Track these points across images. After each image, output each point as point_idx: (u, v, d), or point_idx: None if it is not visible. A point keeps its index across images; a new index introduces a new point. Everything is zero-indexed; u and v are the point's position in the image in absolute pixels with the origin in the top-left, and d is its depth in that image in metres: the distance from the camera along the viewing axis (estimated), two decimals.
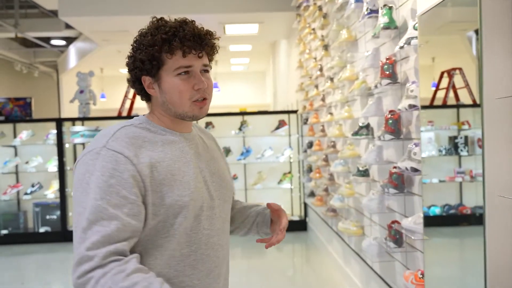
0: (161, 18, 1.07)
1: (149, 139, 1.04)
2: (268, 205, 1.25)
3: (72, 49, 9.24)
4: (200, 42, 1.04)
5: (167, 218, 1.02)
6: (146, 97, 1.12)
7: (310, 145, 4.68)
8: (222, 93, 12.52)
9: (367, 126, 2.70)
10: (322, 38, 3.82)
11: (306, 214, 5.73)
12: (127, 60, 1.08)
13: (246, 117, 5.82)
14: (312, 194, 4.78)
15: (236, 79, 13.51)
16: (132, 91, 6.01)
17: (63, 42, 9.10)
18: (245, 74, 13.75)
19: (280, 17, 5.87)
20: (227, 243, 1.18)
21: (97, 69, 11.93)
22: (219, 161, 1.21)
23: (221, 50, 1.13)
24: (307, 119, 4.79)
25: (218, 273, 1.12)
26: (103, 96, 12.22)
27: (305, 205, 5.74)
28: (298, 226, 5.66)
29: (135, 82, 1.09)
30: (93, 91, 5.72)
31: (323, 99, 3.89)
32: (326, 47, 3.63)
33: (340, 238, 3.72)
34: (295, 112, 5.85)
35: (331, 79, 3.60)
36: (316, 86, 4.21)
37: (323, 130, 3.91)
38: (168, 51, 1.02)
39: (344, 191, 3.02)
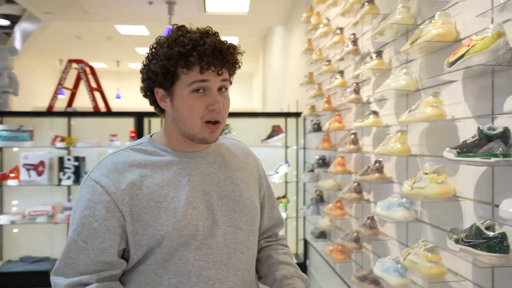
0: (182, 27, 0.99)
1: (138, 162, 1.00)
2: None
3: (17, 31, 7.54)
4: (221, 58, 0.96)
5: (152, 248, 0.96)
6: (159, 110, 1.05)
7: (323, 162, 3.16)
8: None
9: (503, 136, 1.19)
10: None
11: (306, 256, 4.18)
12: (141, 67, 1.02)
13: (229, 120, 4.27)
14: (322, 235, 3.24)
15: None
16: (71, 80, 4.41)
17: (6, 22, 7.38)
18: None
19: None
20: (241, 279, 1.03)
21: (55, 60, 10.22)
22: (238, 181, 1.07)
23: None
24: (318, 124, 3.27)
25: None
26: (61, 93, 10.50)
27: (305, 242, 4.20)
28: None
29: (148, 92, 1.03)
30: (14, 75, 4.07)
31: (356, 91, 2.38)
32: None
33: None
34: (296, 114, 4.33)
35: (378, 54, 2.09)
36: (341, 73, 2.70)
37: (354, 142, 2.39)
38: (184, 66, 0.95)
39: (422, 265, 1.49)
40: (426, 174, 1.54)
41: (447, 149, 1.38)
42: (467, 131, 1.44)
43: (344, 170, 2.62)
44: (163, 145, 1.03)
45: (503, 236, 1.17)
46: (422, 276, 1.50)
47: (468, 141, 1.29)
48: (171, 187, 0.98)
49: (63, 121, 4.16)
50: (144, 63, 1.00)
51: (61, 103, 5.04)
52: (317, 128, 3.24)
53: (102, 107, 4.52)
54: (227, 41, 0.98)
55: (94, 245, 0.93)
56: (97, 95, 4.37)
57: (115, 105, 10.01)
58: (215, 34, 0.98)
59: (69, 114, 4.12)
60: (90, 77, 4.31)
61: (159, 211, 0.95)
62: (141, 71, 1.02)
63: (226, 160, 1.09)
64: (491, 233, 1.18)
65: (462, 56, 1.29)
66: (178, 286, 0.96)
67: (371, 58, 2.12)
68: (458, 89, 1.50)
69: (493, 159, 1.19)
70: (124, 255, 0.98)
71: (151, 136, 1.07)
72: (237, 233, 1.02)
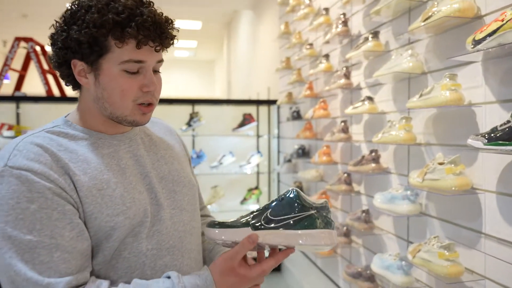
0: None
1: (65, 147, 0.83)
2: None
3: None
4: (160, 33, 0.83)
5: (98, 244, 0.82)
6: (74, 85, 0.89)
7: (303, 152, 3.01)
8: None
9: None
10: None
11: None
12: (52, 33, 0.85)
13: (198, 108, 4.01)
14: None
15: (179, 68, 11.49)
16: (17, 60, 3.95)
17: None
18: (191, 62, 11.80)
19: None
20: (194, 261, 0.94)
21: None
22: (172, 160, 0.99)
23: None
24: (298, 112, 3.10)
25: None
26: (7, 78, 9.59)
27: None
28: None
29: (62, 64, 0.85)
30: None
31: (346, 75, 2.22)
32: None
33: None
34: (268, 102, 4.14)
35: (375, 35, 1.94)
36: (326, 57, 2.54)
37: (344, 130, 2.24)
38: (118, 38, 0.80)
39: (437, 264, 1.37)
40: (441, 164, 1.40)
41: (472, 136, 1.24)
42: (489, 118, 1.32)
43: (329, 160, 2.48)
44: (84, 127, 0.89)
45: None
46: (437, 275, 1.38)
47: (499, 128, 1.16)
48: (112, 172, 0.85)
49: (10, 107, 3.71)
50: (59, 28, 0.83)
51: (9, 89, 4.52)
52: (297, 116, 3.07)
53: (55, 92, 4.09)
54: (162, 13, 0.86)
55: (64, 236, 0.76)
56: (50, 78, 3.93)
57: (69, 92, 9.32)
58: (150, 4, 0.84)
59: (18, 99, 3.67)
60: (42, 58, 3.86)
61: (104, 199, 0.82)
62: (52, 38, 0.85)
63: (154, 140, 0.99)
64: None
65: (494, 32, 1.15)
66: None
67: (367, 39, 1.96)
68: (476, 72, 1.37)
69: None
70: None
71: (65, 116, 0.91)
72: (182, 214, 0.94)
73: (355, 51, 2.05)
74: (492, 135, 1.17)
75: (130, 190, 0.85)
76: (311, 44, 2.81)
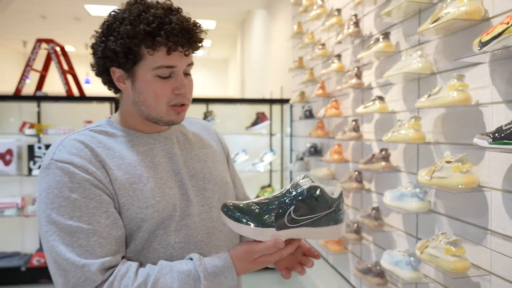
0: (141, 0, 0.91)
1: (104, 144, 0.93)
2: None
3: None
4: (189, 38, 0.89)
5: (130, 234, 0.90)
6: (116, 89, 0.98)
7: (315, 150, 3.05)
8: None
9: None
10: None
11: None
12: (93, 43, 0.93)
13: (212, 107, 4.10)
14: None
15: (193, 66, 11.59)
16: (38, 60, 4.07)
17: None
18: (205, 61, 11.90)
19: None
20: None
21: (18, 42, 9.57)
22: (205, 158, 1.04)
23: None
24: (310, 111, 3.15)
25: None
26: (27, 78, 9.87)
27: None
28: None
29: (103, 72, 0.95)
30: None
31: (357, 75, 2.27)
32: None
33: None
34: (281, 101, 4.20)
35: (385, 36, 1.97)
36: (338, 57, 2.58)
37: (355, 129, 2.28)
38: (150, 46, 0.88)
39: (443, 259, 1.41)
40: (448, 162, 1.44)
41: (477, 135, 1.28)
42: (495, 117, 1.35)
43: (341, 158, 2.52)
44: (124, 127, 0.98)
45: None
46: (444, 270, 1.42)
47: (504, 127, 1.20)
48: (145, 168, 0.93)
49: (32, 106, 3.85)
50: (98, 38, 0.92)
51: (30, 88, 4.67)
52: (309, 115, 3.12)
53: (75, 91, 4.21)
54: (191, 18, 0.92)
55: (101, 223, 0.85)
56: (70, 78, 4.05)
57: (88, 91, 9.53)
58: (179, 11, 0.91)
59: (39, 98, 3.80)
60: (62, 58, 3.98)
61: (135, 192, 0.90)
62: (93, 48, 0.93)
63: (189, 139, 1.05)
64: None
65: (500, 34, 1.19)
66: None
67: (377, 40, 2.00)
68: (484, 72, 1.41)
69: None
70: None
71: (109, 118, 1.01)
72: (212, 211, 0.99)
73: (366, 52, 2.10)
74: (497, 134, 1.20)
75: (160, 186, 0.92)
76: (323, 44, 2.85)
